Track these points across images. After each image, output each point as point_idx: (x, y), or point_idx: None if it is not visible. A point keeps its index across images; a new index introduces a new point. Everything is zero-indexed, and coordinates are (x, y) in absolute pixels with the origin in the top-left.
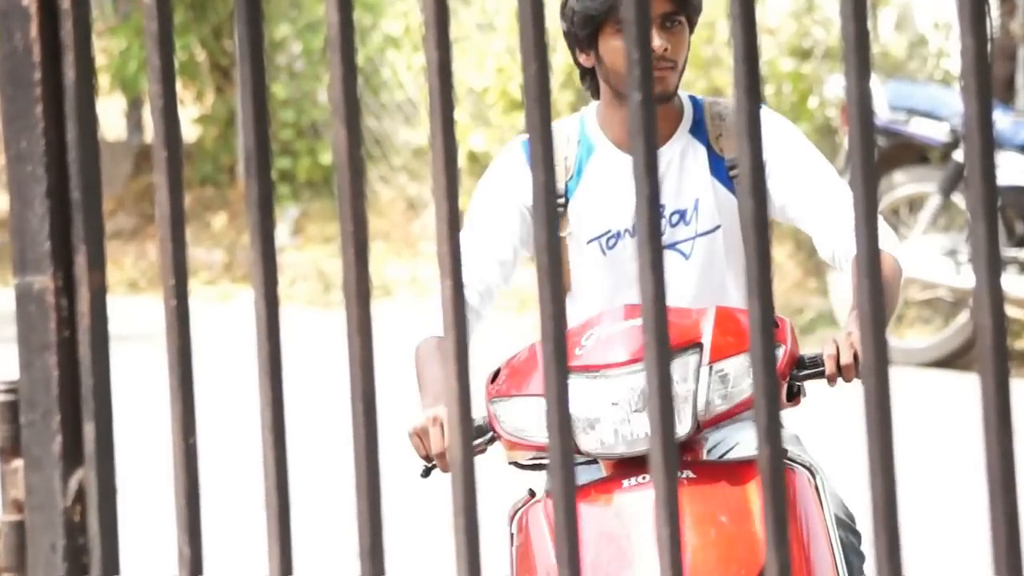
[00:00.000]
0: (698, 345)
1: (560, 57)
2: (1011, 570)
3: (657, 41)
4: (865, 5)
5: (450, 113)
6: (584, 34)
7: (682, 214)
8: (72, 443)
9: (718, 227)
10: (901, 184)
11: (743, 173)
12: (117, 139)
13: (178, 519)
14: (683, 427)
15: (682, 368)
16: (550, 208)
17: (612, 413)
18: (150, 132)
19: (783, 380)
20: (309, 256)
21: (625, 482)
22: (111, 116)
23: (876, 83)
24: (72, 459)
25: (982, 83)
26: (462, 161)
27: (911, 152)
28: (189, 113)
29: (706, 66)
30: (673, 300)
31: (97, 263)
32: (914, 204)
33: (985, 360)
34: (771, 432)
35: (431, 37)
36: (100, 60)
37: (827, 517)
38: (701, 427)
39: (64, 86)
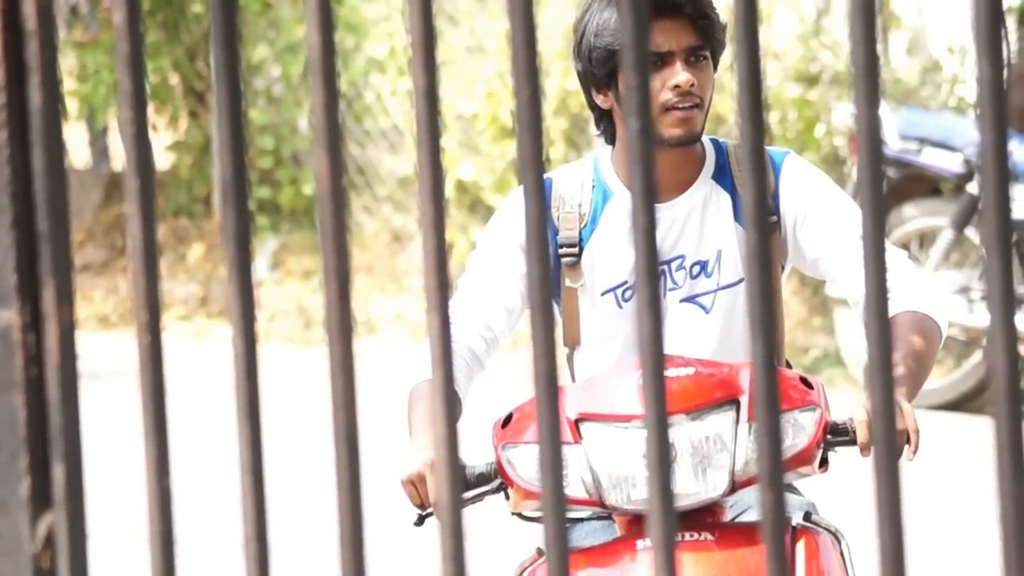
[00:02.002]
0: (735, 401)
1: (554, 82)
2: None
3: (683, 76)
4: (875, 29)
5: (437, 141)
6: (603, 72)
7: (703, 265)
8: (41, 486)
9: (742, 280)
10: (912, 218)
11: (747, 203)
12: (86, 167)
13: (152, 566)
14: (718, 486)
15: (719, 424)
16: (541, 242)
17: (642, 468)
18: (121, 160)
19: (818, 447)
20: (289, 291)
21: (639, 543)
22: (79, 142)
23: (886, 111)
24: (41, 502)
25: (998, 111)
26: (450, 191)
27: (923, 184)
28: (162, 139)
29: None
30: (692, 356)
31: (66, 297)
32: (925, 238)
33: (999, 403)
34: (773, 481)
35: (417, 60)
36: (68, 83)
37: None
38: (736, 487)
39: (29, 111)
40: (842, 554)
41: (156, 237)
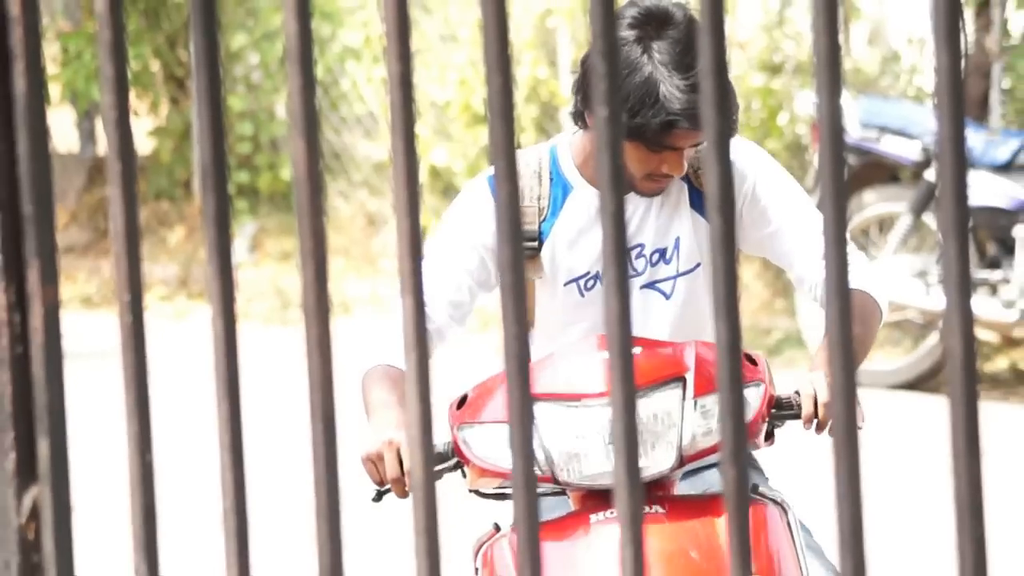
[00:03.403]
0: (681, 379)
1: (525, 70)
2: None
3: (679, 168)
4: (837, 19)
5: (411, 127)
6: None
7: (662, 252)
8: (26, 460)
9: (698, 265)
10: (871, 203)
11: (710, 190)
12: (69, 151)
13: (135, 538)
14: (666, 461)
15: (665, 401)
16: (514, 226)
17: (593, 444)
18: (103, 144)
19: (763, 421)
20: (267, 272)
21: (593, 517)
22: (63, 127)
23: (847, 99)
24: (26, 476)
25: (955, 101)
26: (424, 176)
27: (882, 171)
28: (143, 125)
29: None
30: (653, 338)
31: (50, 278)
32: (884, 224)
33: (955, 383)
34: (736, 457)
35: (392, 49)
36: (50, 69)
37: (799, 551)
38: (684, 461)
39: (13, 96)
40: (789, 524)
41: (138, 220)
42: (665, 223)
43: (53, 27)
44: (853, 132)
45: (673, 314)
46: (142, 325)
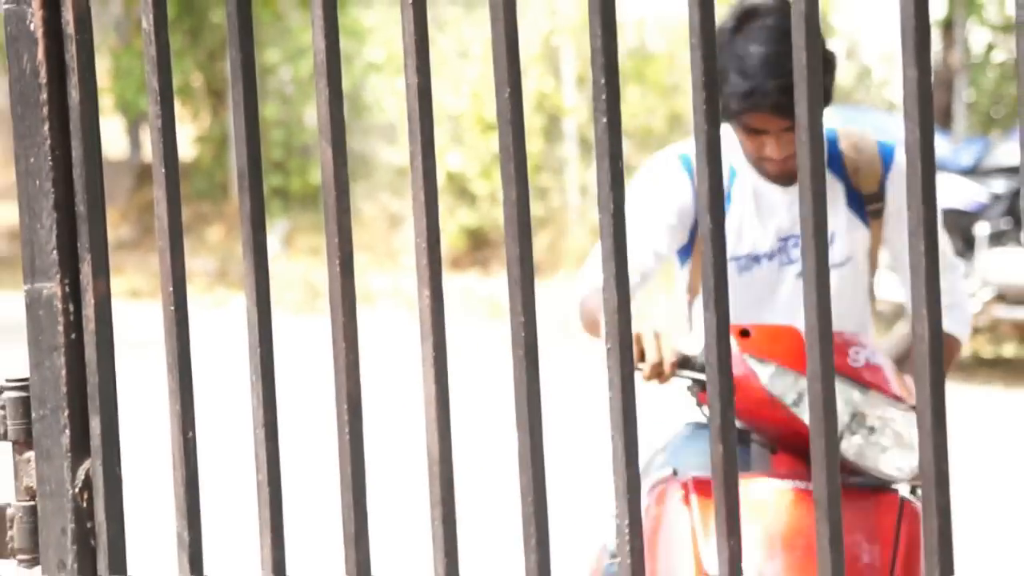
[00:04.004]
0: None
1: (532, 84)
2: (944, 568)
3: (771, 150)
4: (817, 36)
5: (429, 135)
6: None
7: None
8: (80, 436)
9: (850, 259)
10: None
11: (701, 192)
12: (120, 157)
13: (178, 507)
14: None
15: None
16: (524, 225)
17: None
18: (150, 150)
19: None
20: (298, 266)
21: (771, 481)
22: (114, 135)
23: (825, 109)
24: (80, 451)
25: (924, 111)
26: (440, 179)
27: None
28: (186, 133)
29: (667, 93)
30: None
31: (101, 271)
32: None
33: (922, 368)
34: (725, 429)
35: (411, 64)
36: (103, 82)
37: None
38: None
39: (69, 106)
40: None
41: (181, 219)
42: None
43: (105, 44)
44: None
45: None
46: (185, 313)
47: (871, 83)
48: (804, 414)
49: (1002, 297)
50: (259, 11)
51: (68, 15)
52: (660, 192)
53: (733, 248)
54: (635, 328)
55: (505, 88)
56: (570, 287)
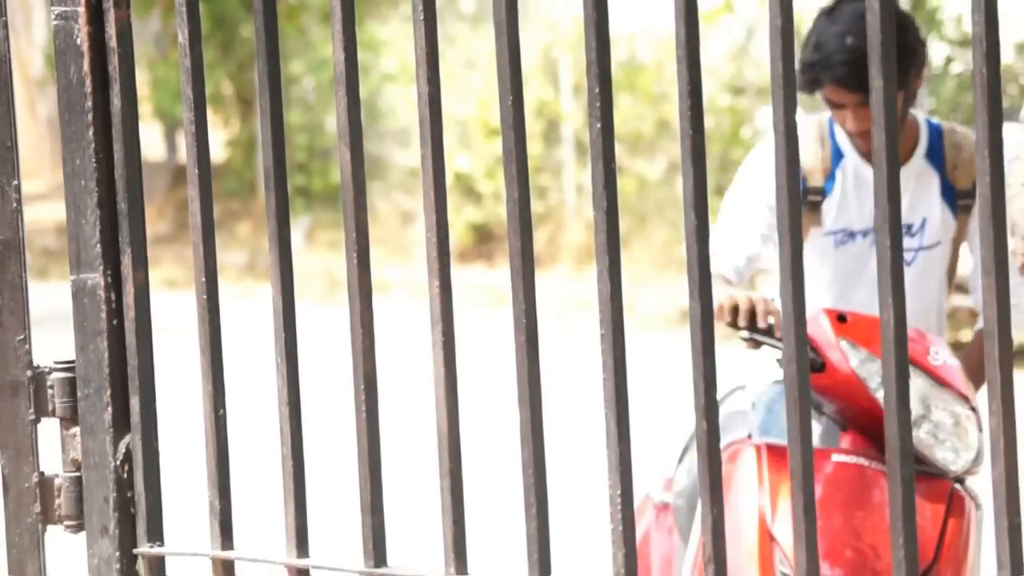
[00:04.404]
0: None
1: (532, 92)
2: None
3: (850, 123)
4: (792, 50)
5: (439, 139)
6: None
7: (908, 227)
8: (121, 413)
9: (939, 243)
10: None
11: (686, 190)
12: (157, 159)
13: (209, 478)
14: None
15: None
16: (524, 217)
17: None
18: (185, 153)
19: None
20: (319, 259)
21: (835, 456)
22: (152, 139)
23: (800, 116)
24: (121, 427)
25: (889, 118)
26: (448, 180)
27: None
28: (218, 137)
29: (656, 101)
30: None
31: (140, 263)
32: None
33: (888, 351)
34: (708, 406)
35: (423, 74)
36: (142, 91)
37: (973, 545)
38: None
39: (112, 113)
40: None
41: (212, 216)
42: (913, 203)
43: (145, 56)
44: None
45: (910, 281)
46: (216, 302)
47: None
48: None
49: None
50: (284, 26)
51: (111, 30)
52: (759, 179)
53: (832, 223)
54: (729, 297)
55: (508, 96)
56: (567, 279)
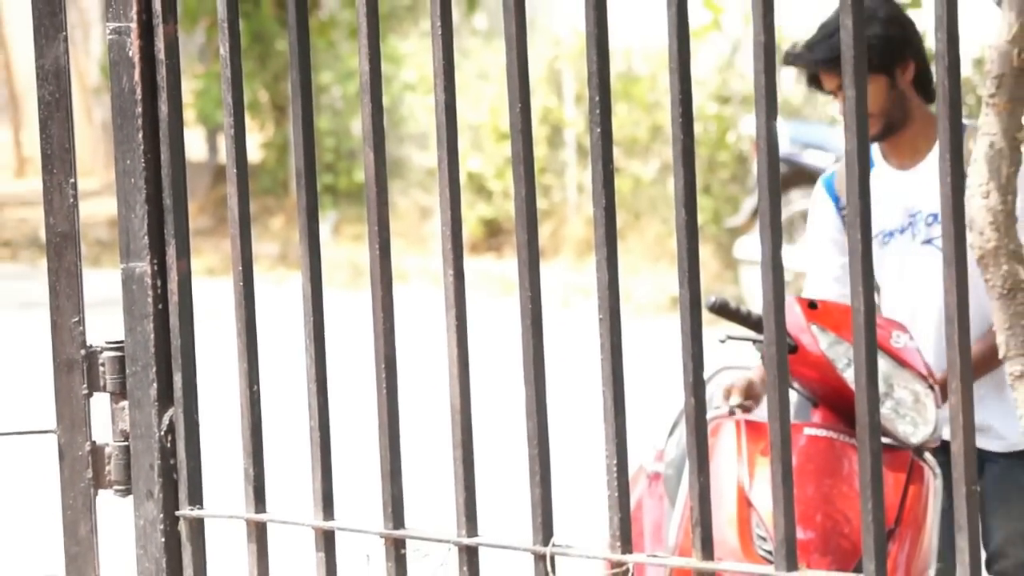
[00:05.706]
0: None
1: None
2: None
3: (839, 107)
4: (774, 62)
5: (454, 142)
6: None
7: (936, 216)
8: (165, 388)
9: None
10: (796, 201)
11: (677, 188)
12: (200, 160)
13: (244, 447)
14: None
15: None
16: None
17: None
18: (224, 155)
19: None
20: (345, 250)
21: (807, 430)
22: (195, 142)
23: (780, 122)
24: (165, 400)
25: (860, 125)
26: (462, 179)
27: (805, 176)
28: (254, 140)
29: (650, 108)
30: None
31: (183, 253)
32: (805, 217)
33: (859, 337)
34: (696, 383)
35: (440, 84)
36: (187, 99)
37: (932, 513)
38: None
39: (159, 119)
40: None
41: (249, 211)
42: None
43: (190, 68)
44: (784, 147)
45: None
46: (251, 289)
47: (816, 101)
48: (850, 378)
49: None
50: (315, 40)
51: (160, 44)
52: (818, 216)
53: (874, 226)
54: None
55: (517, 104)
56: (569, 269)
